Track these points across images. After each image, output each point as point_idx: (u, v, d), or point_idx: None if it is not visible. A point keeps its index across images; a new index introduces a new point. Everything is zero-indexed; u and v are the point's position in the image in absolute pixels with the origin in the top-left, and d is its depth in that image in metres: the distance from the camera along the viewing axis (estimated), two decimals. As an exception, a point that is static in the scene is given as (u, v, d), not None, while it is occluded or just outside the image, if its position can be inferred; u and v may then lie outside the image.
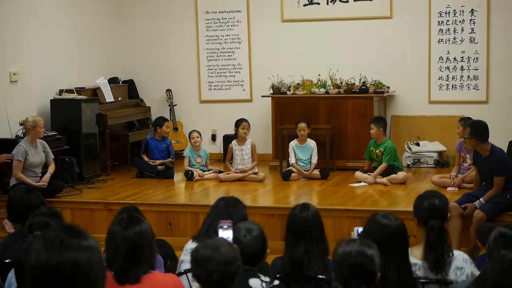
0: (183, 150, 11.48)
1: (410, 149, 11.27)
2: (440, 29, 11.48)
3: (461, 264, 4.71)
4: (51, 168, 9.46)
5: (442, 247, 4.71)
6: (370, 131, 10.10)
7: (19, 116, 9.61)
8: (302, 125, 10.42)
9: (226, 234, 4.06)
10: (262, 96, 11.81)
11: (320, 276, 4.73)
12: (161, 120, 11.11)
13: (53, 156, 9.57)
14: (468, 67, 11.42)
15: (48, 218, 5.13)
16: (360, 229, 4.38)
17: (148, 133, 11.56)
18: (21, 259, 4.09)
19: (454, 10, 11.39)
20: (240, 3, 12.41)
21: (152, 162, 10.88)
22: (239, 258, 3.73)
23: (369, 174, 9.96)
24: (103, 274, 2.41)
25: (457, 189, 9.19)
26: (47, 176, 9.34)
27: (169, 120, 11.90)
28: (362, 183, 9.90)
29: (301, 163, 10.47)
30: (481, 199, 7.88)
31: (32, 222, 5.12)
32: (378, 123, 10.08)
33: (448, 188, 9.20)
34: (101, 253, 2.43)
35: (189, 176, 10.51)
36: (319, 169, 10.44)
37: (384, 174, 9.91)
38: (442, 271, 4.66)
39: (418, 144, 11.33)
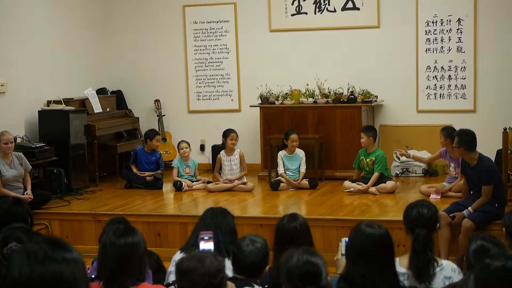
0: (172, 160, 11.45)
1: (398, 158, 11.28)
2: (428, 39, 11.51)
3: (450, 273, 4.72)
4: (28, 183, 9.30)
5: (426, 255, 4.72)
6: (360, 140, 10.11)
7: (6, 127, 9.55)
8: (295, 136, 10.40)
9: (207, 246, 4.05)
10: (250, 106, 11.81)
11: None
12: (152, 134, 11.04)
13: (30, 167, 9.41)
14: (456, 76, 11.45)
15: (20, 233, 5.11)
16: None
17: (137, 144, 11.54)
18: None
19: (441, 20, 11.43)
20: (228, 13, 12.41)
21: (141, 173, 10.86)
22: (223, 270, 3.72)
23: (358, 184, 9.97)
24: (86, 286, 2.40)
25: (439, 197, 9.21)
26: (29, 189, 9.23)
27: (159, 131, 11.87)
28: (353, 188, 9.92)
29: (290, 173, 10.46)
30: (469, 208, 7.89)
31: (5, 237, 5.10)
32: (368, 132, 10.10)
33: (431, 196, 9.20)
34: (85, 266, 2.42)
35: (177, 187, 10.48)
36: (307, 179, 10.43)
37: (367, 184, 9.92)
38: (425, 280, 4.67)
39: (406, 153, 11.35)
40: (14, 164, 9.16)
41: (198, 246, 4.06)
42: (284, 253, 3.81)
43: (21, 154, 9.36)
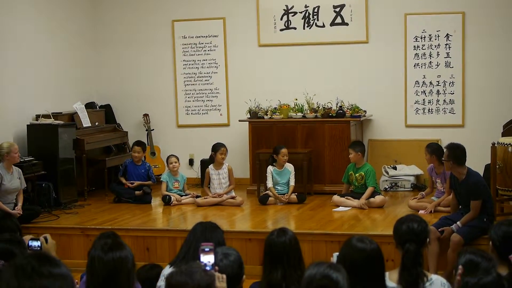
0: (161, 174, 11.43)
1: (387, 172, 11.31)
2: (416, 54, 11.56)
3: (439, 288, 4.72)
4: (20, 199, 9.33)
5: (416, 270, 4.71)
6: (349, 156, 10.11)
7: (-5, 141, 9.55)
8: (285, 150, 10.42)
9: (207, 258, 3.99)
10: (239, 121, 11.82)
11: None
12: (132, 144, 11.22)
13: (25, 185, 9.49)
14: (444, 91, 11.50)
15: (12, 246, 5.05)
16: (339, 254, 4.38)
17: (126, 158, 11.52)
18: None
19: (430, 35, 11.48)
20: (217, 28, 12.43)
21: (130, 183, 10.85)
22: (213, 284, 3.70)
23: (346, 198, 9.96)
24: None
25: (428, 212, 9.20)
26: (20, 205, 9.23)
27: (146, 144, 11.85)
28: (342, 208, 9.88)
29: (279, 187, 10.45)
30: (458, 222, 7.90)
31: None
32: (356, 148, 10.10)
33: (420, 211, 9.20)
34: (73, 281, 2.41)
35: (166, 201, 10.47)
36: (296, 193, 10.43)
37: (361, 197, 9.92)
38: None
39: (395, 168, 11.37)
40: (14, 176, 9.22)
41: (198, 258, 4.02)
42: (312, 263, 3.74)
43: (20, 170, 9.42)
